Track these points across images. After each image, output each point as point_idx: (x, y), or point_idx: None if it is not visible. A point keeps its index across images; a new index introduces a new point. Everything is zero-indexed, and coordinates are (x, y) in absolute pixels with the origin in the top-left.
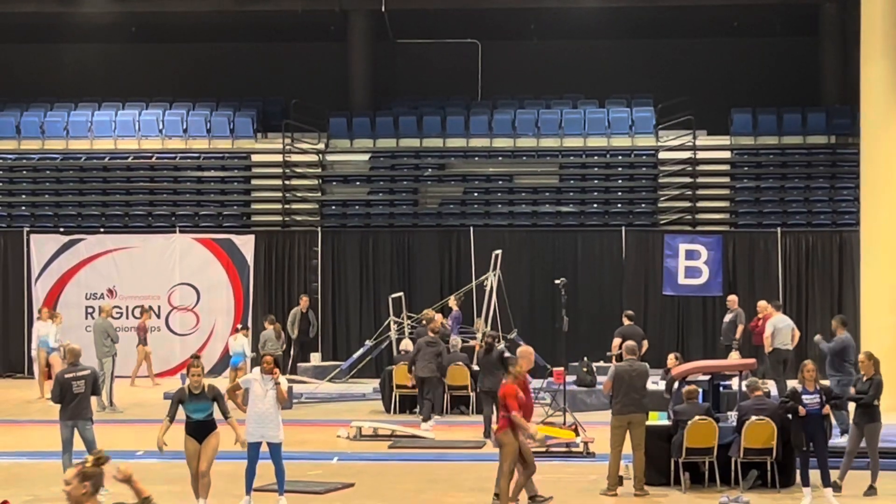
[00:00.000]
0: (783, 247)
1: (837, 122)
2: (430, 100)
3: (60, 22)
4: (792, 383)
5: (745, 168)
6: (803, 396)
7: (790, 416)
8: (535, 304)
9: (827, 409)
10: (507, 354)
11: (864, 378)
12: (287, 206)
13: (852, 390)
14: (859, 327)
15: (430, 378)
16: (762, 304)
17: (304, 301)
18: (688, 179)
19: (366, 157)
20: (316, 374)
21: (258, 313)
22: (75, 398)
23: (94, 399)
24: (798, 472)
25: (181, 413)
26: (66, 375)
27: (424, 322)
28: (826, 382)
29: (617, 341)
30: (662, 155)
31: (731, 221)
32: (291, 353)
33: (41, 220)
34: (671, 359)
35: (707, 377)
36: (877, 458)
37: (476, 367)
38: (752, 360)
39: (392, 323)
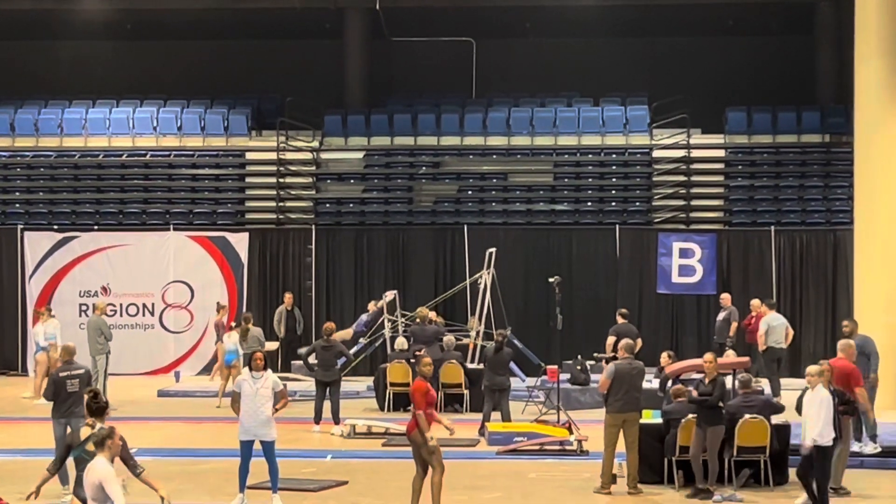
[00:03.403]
0: (777, 245)
1: (832, 122)
2: (425, 98)
3: (55, 19)
4: (786, 381)
5: (740, 167)
6: None
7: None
8: (529, 302)
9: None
10: (419, 352)
11: (707, 380)
12: (281, 204)
13: (694, 392)
14: None
15: (334, 382)
16: (756, 302)
17: (289, 298)
18: (682, 178)
19: (360, 154)
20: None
21: (253, 311)
22: (69, 397)
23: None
24: (793, 470)
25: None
26: (61, 374)
27: (419, 320)
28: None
29: (611, 339)
30: (657, 153)
31: (725, 220)
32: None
33: (35, 218)
34: (664, 357)
35: (701, 375)
36: (716, 461)
37: (471, 365)
38: (746, 359)
39: (386, 321)
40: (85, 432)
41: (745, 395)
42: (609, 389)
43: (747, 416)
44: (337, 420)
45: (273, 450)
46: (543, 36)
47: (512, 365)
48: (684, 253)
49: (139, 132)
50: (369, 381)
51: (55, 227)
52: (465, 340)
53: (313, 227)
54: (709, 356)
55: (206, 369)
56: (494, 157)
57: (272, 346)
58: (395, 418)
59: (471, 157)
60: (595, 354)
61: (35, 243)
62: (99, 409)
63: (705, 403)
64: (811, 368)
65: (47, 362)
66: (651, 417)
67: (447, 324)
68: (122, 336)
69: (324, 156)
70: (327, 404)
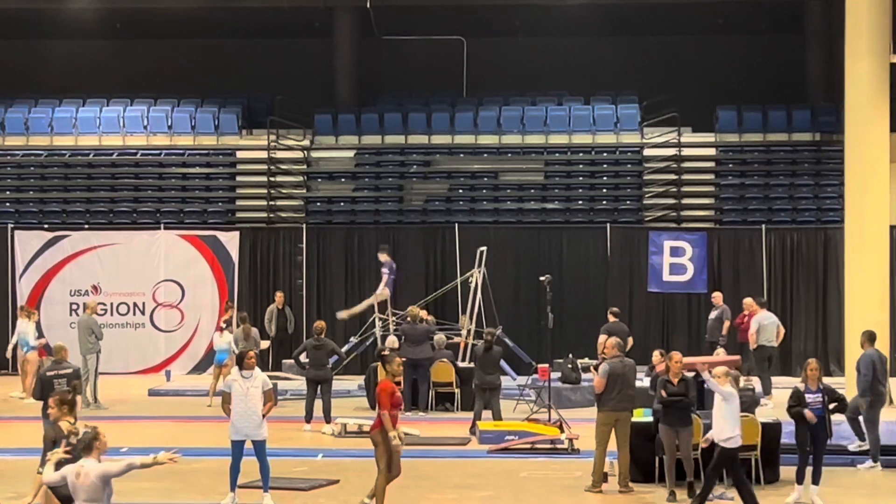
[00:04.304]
0: (768, 244)
1: (822, 120)
2: (416, 96)
3: (45, 18)
4: (777, 380)
5: (730, 165)
6: (807, 395)
7: (795, 408)
8: (520, 301)
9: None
10: (385, 352)
11: (675, 380)
12: (272, 203)
13: (663, 393)
14: (843, 325)
15: (326, 381)
16: (747, 300)
17: (280, 297)
18: (673, 176)
19: (351, 153)
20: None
21: (243, 310)
22: None
23: (78, 397)
24: (782, 468)
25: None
26: (49, 373)
27: (410, 319)
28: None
29: (602, 338)
30: (647, 152)
31: (716, 218)
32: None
33: (25, 217)
34: (656, 356)
35: (692, 374)
36: (691, 460)
37: (462, 364)
38: (737, 357)
39: (377, 320)
40: (64, 426)
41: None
42: (603, 389)
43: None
44: (328, 419)
45: (264, 449)
46: (534, 34)
47: (503, 363)
48: (675, 251)
49: (129, 131)
50: (360, 379)
51: (45, 226)
52: (456, 339)
53: (304, 225)
54: (676, 355)
55: (197, 368)
56: (485, 155)
57: (263, 344)
58: None
59: (461, 155)
60: (587, 361)
61: (25, 242)
62: (72, 402)
63: (680, 404)
64: (717, 369)
65: (38, 361)
66: (642, 416)
67: (438, 322)
68: (113, 335)
69: (314, 154)
70: (318, 403)
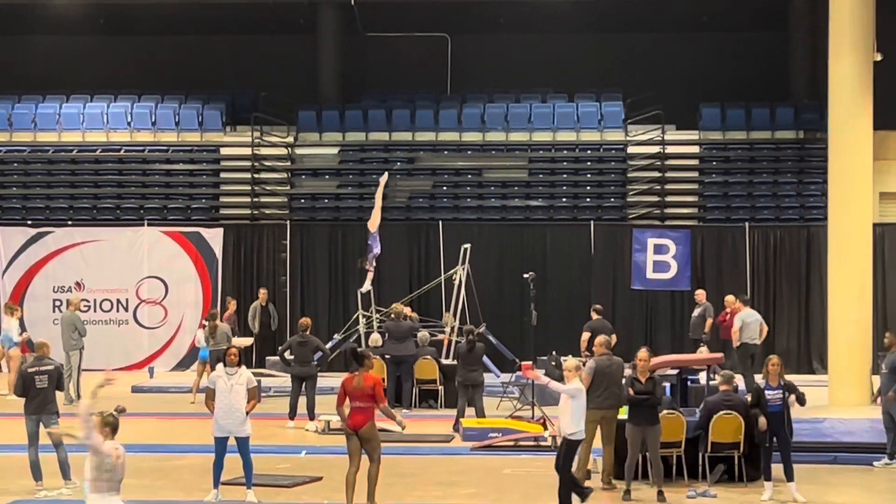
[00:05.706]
0: (751, 241)
1: (806, 118)
2: (400, 93)
3: (28, 14)
4: (760, 377)
5: (714, 163)
6: (766, 392)
7: (754, 410)
8: (503, 298)
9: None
10: (359, 350)
11: (643, 378)
12: (256, 200)
13: (630, 391)
14: (826, 322)
15: (311, 377)
16: (730, 298)
17: (263, 294)
18: (656, 174)
19: (335, 150)
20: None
21: (215, 307)
22: (38, 393)
23: (61, 393)
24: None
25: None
26: (29, 370)
27: (393, 316)
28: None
29: (585, 335)
30: (631, 149)
31: (700, 216)
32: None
33: (9, 213)
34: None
35: (675, 371)
36: (659, 462)
37: (445, 361)
38: (720, 355)
39: (361, 317)
40: None
41: (725, 392)
42: (590, 386)
43: (721, 411)
44: (312, 416)
45: (247, 446)
46: (518, 31)
47: (486, 360)
48: (659, 249)
49: (113, 127)
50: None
51: (29, 222)
52: (440, 336)
53: (288, 222)
54: (643, 354)
55: (181, 365)
56: (469, 152)
57: (247, 341)
58: None
59: (445, 152)
60: (570, 358)
61: (8, 238)
62: None
63: (647, 402)
64: (569, 363)
65: (21, 357)
66: (625, 414)
67: (422, 319)
68: (96, 331)
69: (298, 151)
70: (302, 400)
